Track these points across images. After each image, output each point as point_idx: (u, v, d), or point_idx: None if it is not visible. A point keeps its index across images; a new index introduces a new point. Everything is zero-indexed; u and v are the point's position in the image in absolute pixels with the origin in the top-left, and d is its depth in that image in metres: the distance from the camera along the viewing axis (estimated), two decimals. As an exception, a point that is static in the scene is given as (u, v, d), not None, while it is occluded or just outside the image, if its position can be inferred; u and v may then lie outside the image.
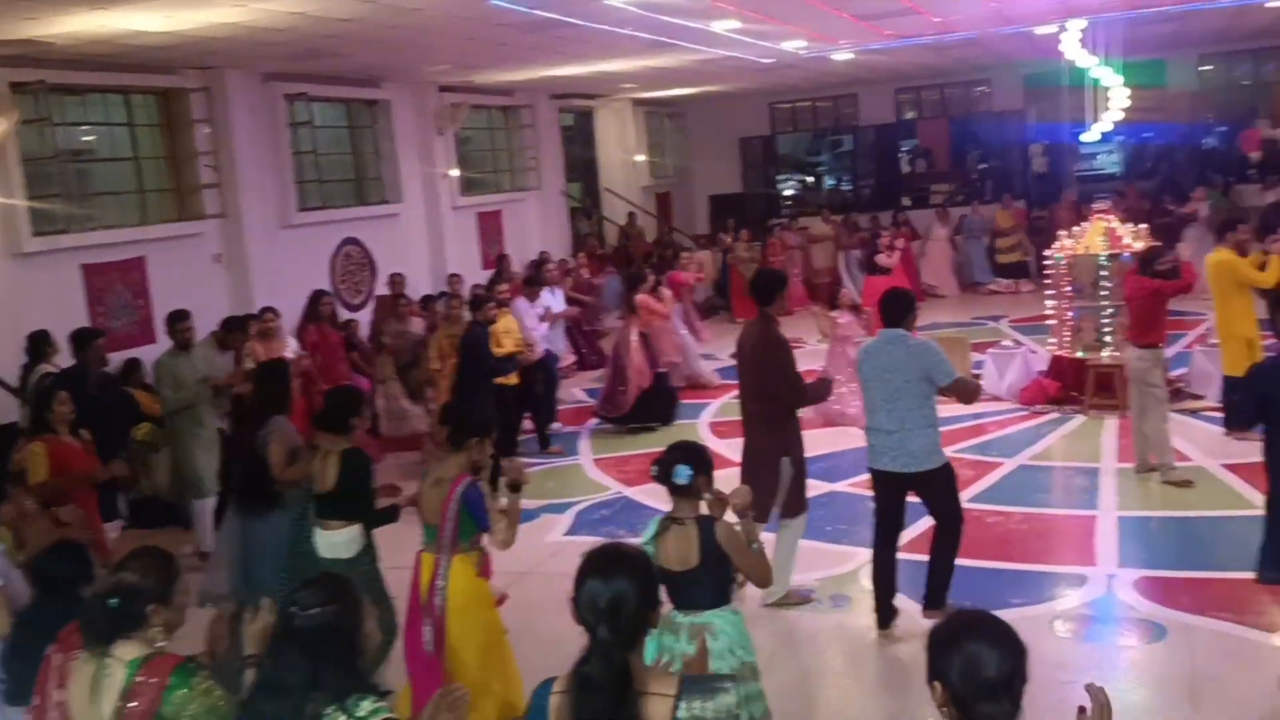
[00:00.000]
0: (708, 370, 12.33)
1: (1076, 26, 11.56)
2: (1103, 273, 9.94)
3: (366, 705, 2.57)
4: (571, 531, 7.82)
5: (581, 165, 19.54)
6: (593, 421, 10.96)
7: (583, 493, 8.81)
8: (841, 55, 14.48)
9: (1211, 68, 19.83)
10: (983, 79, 20.59)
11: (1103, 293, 9.94)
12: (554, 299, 11.67)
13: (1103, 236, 10.10)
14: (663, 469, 3.97)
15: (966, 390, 5.97)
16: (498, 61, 12.39)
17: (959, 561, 6.02)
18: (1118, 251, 9.95)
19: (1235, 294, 8.33)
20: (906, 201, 20.93)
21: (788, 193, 23.46)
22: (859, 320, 10.18)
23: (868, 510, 7.73)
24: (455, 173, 14.52)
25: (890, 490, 5.88)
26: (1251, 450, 8.26)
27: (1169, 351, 10.74)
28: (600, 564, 2.65)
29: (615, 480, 9.12)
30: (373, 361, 10.54)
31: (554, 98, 17.17)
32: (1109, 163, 21.23)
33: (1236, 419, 8.57)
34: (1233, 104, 20.60)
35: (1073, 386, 9.96)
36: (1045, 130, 19.86)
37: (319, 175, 12.44)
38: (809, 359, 13.25)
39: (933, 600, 5.90)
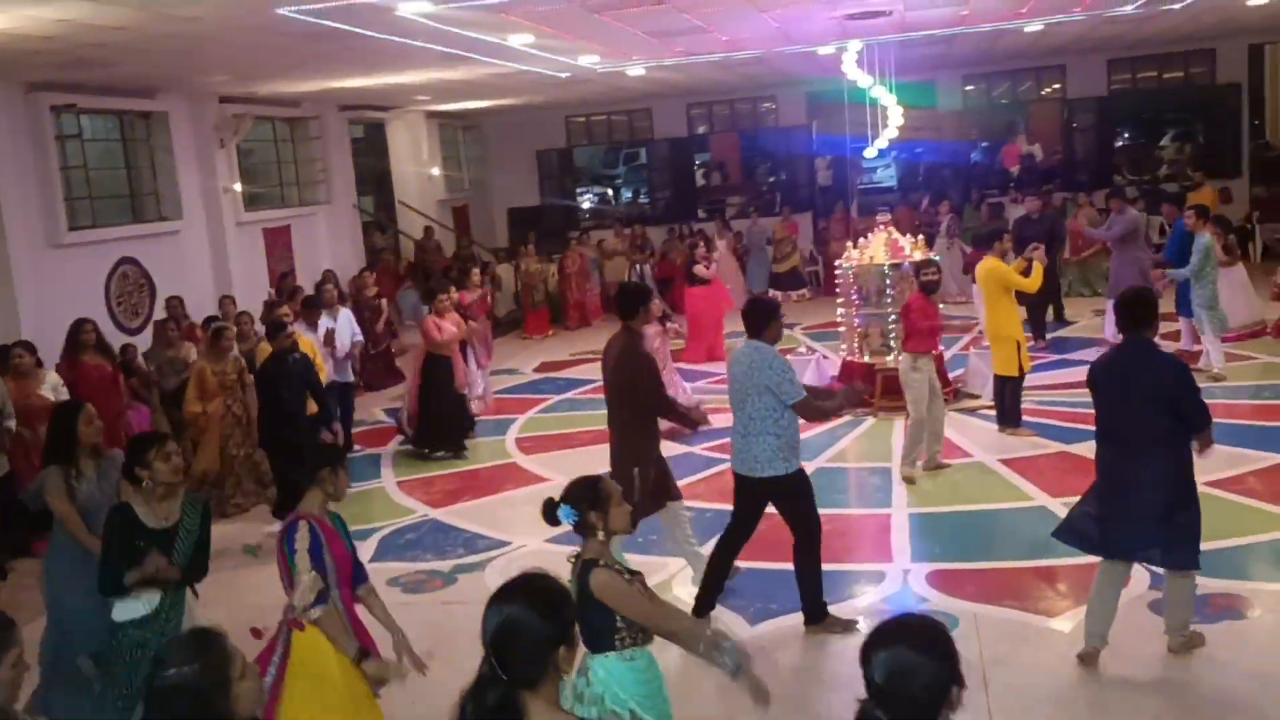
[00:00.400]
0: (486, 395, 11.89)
1: (854, 48, 12.14)
2: (886, 281, 10.45)
3: None
4: (375, 558, 7.59)
5: (374, 178, 19.09)
6: (396, 440, 10.70)
7: (386, 517, 8.58)
8: (635, 71, 14.70)
9: (974, 88, 21.23)
10: (769, 95, 21.35)
11: (887, 300, 10.46)
12: (337, 321, 10.59)
13: (885, 247, 10.64)
14: (545, 511, 3.79)
15: (809, 411, 6.02)
16: (283, 72, 11.95)
17: (769, 565, 6.16)
18: (899, 261, 10.50)
19: (1003, 298, 8.95)
20: (702, 214, 21.45)
21: (586, 205, 23.66)
22: (664, 332, 10.25)
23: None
24: (238, 187, 13.93)
25: (741, 492, 6.00)
26: (1024, 446, 8.95)
27: (949, 351, 11.47)
28: (501, 590, 2.53)
29: (420, 502, 8.93)
30: (153, 388, 9.93)
31: (343, 109, 16.72)
32: (886, 177, 22.45)
33: (1007, 417, 9.21)
34: (995, 122, 22.14)
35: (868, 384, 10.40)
36: (829, 144, 20.77)
37: (90, 192, 11.67)
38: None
39: (811, 614, 5.99)
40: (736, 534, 6.07)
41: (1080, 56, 19.65)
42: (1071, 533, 5.56)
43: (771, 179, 23.19)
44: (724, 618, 6.15)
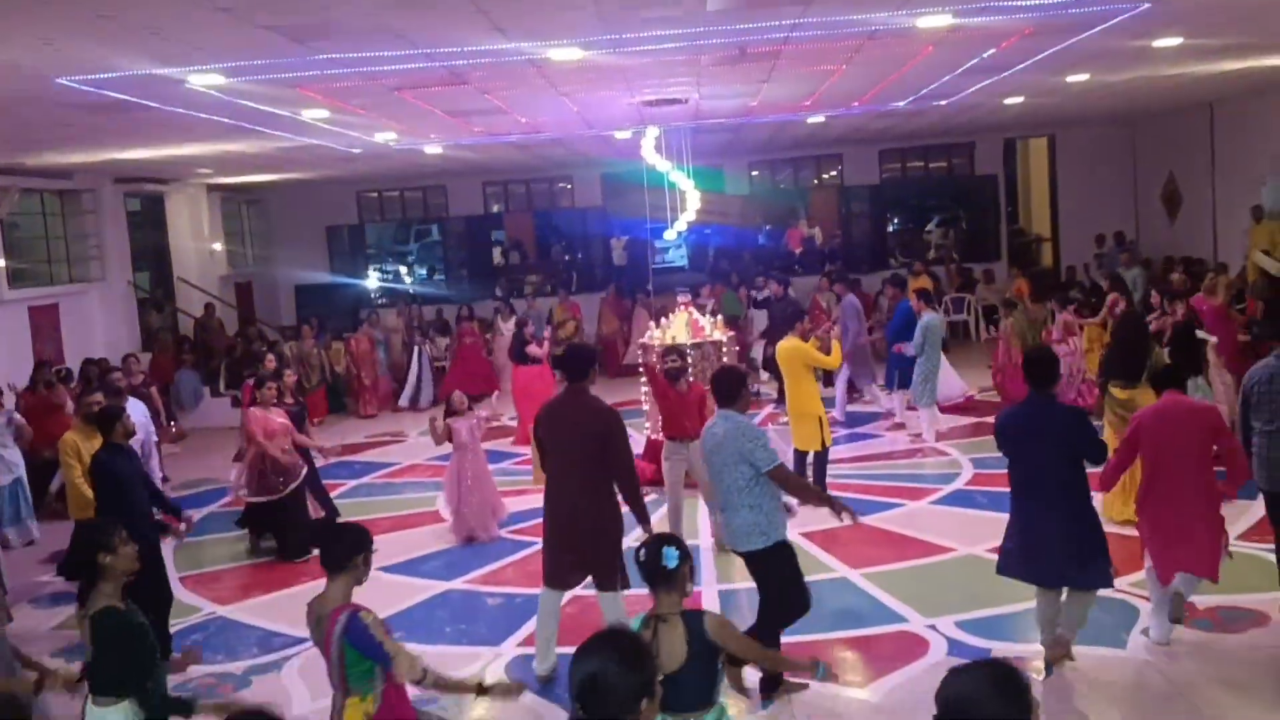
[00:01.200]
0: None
1: (652, 133, 12.50)
2: (689, 359, 10.63)
3: None
4: (160, 662, 7.01)
5: (152, 253, 18.10)
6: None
7: (171, 616, 7.95)
8: (432, 149, 14.62)
9: (759, 173, 22.24)
10: (566, 175, 21.67)
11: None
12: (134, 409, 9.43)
13: (686, 326, 10.87)
14: (649, 553, 3.84)
15: (787, 479, 5.96)
16: (57, 143, 11.24)
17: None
18: (700, 340, 10.74)
19: (805, 376, 9.24)
20: (499, 292, 21.40)
21: (376, 284, 23.16)
22: (477, 424, 9.72)
23: (486, 607, 7.72)
24: (2, 263, 12.91)
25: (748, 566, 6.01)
26: (823, 517, 9.20)
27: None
28: (587, 644, 2.55)
29: (206, 599, 8.36)
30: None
31: (119, 181, 15.87)
32: (678, 256, 23.12)
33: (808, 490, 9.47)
34: (779, 206, 23.25)
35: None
36: (623, 224, 21.22)
37: None
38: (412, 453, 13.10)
39: (764, 685, 5.92)
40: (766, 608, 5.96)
41: (856, 146, 20.92)
42: (1008, 569, 6.06)
43: (567, 258, 23.47)
44: (540, 707, 5.99)
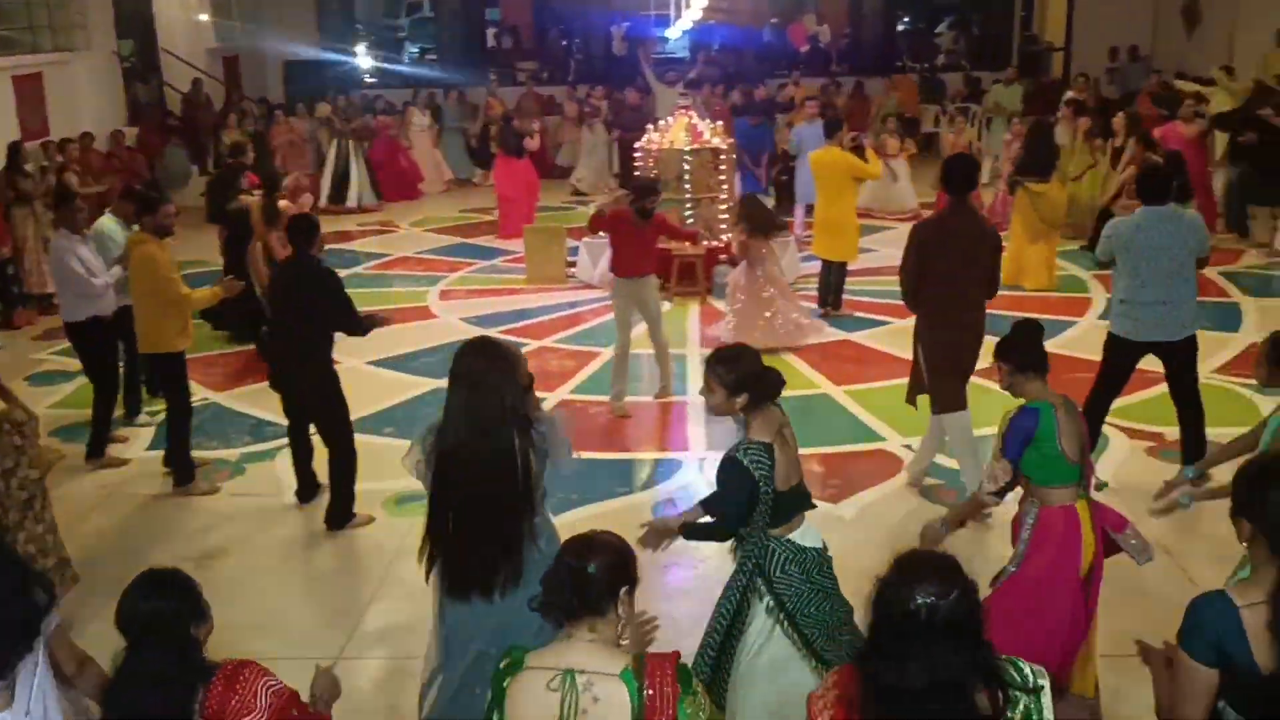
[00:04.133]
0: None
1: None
2: (685, 166, 10.50)
3: None
4: (153, 446, 7.19)
5: (138, 22, 17.41)
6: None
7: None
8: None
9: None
10: (565, -43, 20.68)
11: (686, 186, 10.53)
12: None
13: (685, 132, 10.66)
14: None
15: None
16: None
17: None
18: (699, 146, 10.55)
19: (849, 187, 9.48)
20: (493, 77, 20.76)
21: (368, 62, 22.42)
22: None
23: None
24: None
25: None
26: (816, 334, 9.28)
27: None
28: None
29: (201, 385, 8.31)
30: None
31: (100, -59, 15.11)
32: (679, 48, 22.36)
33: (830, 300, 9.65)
34: (786, 2, 22.34)
35: (659, 274, 10.50)
36: (626, 17, 20.42)
37: None
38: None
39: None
40: None
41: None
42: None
43: (565, 43, 22.67)
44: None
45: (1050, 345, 4.42)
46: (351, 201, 15.37)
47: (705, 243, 10.50)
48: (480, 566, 3.56)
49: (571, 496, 6.31)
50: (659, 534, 3.96)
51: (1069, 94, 14.71)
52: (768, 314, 8.76)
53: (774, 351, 8.74)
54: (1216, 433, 6.05)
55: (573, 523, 6.07)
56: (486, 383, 3.58)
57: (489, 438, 3.54)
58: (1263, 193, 11.44)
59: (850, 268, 9.90)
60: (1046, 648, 3.81)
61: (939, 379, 6.01)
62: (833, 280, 9.72)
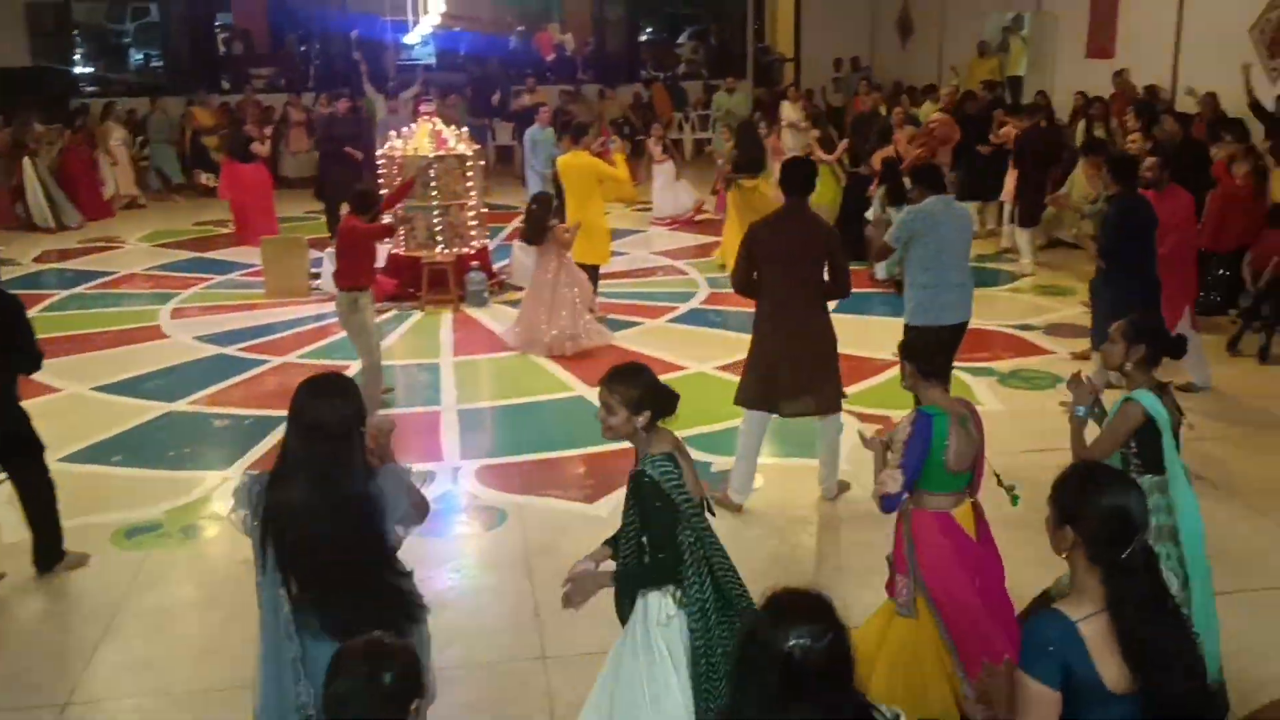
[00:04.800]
0: None
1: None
2: (431, 173, 10.35)
3: None
4: None
5: None
6: None
7: None
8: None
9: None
10: (302, -40, 19.99)
11: (432, 193, 10.38)
12: None
13: (429, 138, 10.51)
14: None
15: None
16: None
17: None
18: (444, 153, 10.43)
19: (596, 190, 9.54)
20: (225, 85, 19.80)
21: (89, 70, 20.89)
22: None
23: (212, 429, 7.48)
24: None
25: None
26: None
27: (493, 243, 11.69)
28: (1111, 480, 2.62)
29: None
30: None
31: None
32: (425, 55, 22.04)
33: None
34: (531, 10, 22.46)
35: (409, 283, 10.35)
36: (365, 23, 19.94)
37: None
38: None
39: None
40: None
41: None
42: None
43: (304, 48, 21.86)
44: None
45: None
46: (43, 222, 14.02)
47: (455, 250, 10.40)
48: (340, 632, 3.06)
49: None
50: (584, 590, 3.67)
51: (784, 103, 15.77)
52: (564, 312, 8.83)
53: (527, 352, 8.79)
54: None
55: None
56: (326, 426, 3.24)
57: (331, 488, 3.22)
58: (975, 189, 12.36)
59: (602, 270, 10.04)
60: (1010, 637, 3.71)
61: (745, 372, 6.13)
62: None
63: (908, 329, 6.37)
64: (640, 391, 3.53)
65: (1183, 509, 3.98)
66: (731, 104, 17.31)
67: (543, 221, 8.87)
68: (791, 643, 2.14)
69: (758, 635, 2.21)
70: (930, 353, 4.13)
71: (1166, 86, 12.62)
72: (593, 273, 9.74)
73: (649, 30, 24.19)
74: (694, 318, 9.98)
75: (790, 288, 5.87)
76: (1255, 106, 10.23)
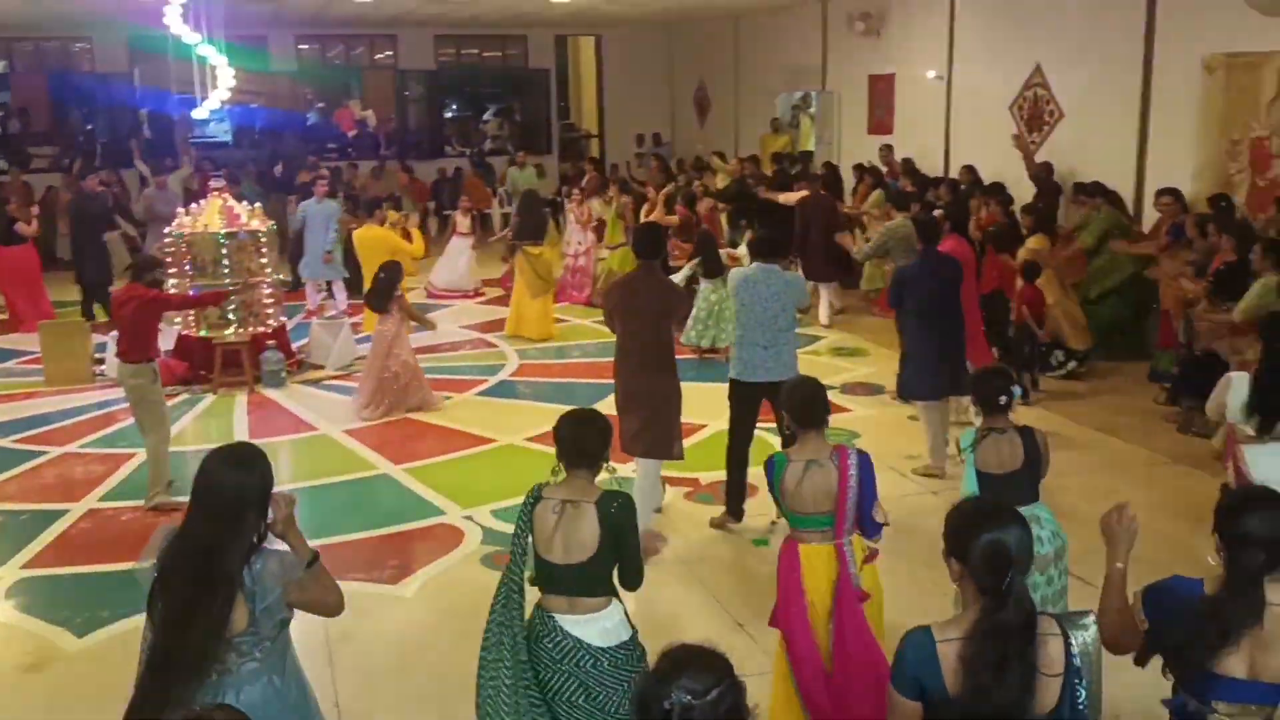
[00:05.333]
0: None
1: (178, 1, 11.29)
2: (223, 250, 10.01)
3: None
4: None
5: None
6: None
7: None
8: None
9: (308, 48, 21.08)
10: (84, 36, 19.23)
11: (224, 269, 10.03)
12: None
13: (220, 214, 10.18)
14: (990, 388, 4.64)
15: None
16: None
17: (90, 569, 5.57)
18: (235, 230, 10.12)
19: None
20: (1, 165, 18.67)
21: None
22: None
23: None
24: None
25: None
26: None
27: (291, 322, 11.34)
28: (991, 515, 2.74)
29: None
30: None
31: None
32: (220, 131, 21.45)
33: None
34: (330, 85, 22.24)
35: (200, 365, 9.93)
36: (154, 98, 19.30)
37: None
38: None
39: None
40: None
41: (411, 29, 20.43)
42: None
43: (90, 127, 20.90)
44: (47, 633, 5.54)
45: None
46: None
47: (250, 329, 10.06)
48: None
49: (102, 614, 5.72)
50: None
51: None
52: (409, 381, 9.05)
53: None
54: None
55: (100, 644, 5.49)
56: (223, 497, 3.13)
57: (209, 562, 3.04)
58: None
59: (411, 343, 9.87)
60: (801, 678, 4.13)
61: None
62: None
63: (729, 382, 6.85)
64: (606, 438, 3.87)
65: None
66: (522, 178, 17.67)
67: (391, 288, 9.04)
68: (674, 698, 2.13)
69: (644, 693, 2.20)
70: (798, 405, 4.44)
71: (939, 159, 13.58)
72: None
73: (454, 107, 24.29)
74: (504, 390, 9.93)
75: (640, 345, 6.33)
76: (1036, 177, 11.28)
